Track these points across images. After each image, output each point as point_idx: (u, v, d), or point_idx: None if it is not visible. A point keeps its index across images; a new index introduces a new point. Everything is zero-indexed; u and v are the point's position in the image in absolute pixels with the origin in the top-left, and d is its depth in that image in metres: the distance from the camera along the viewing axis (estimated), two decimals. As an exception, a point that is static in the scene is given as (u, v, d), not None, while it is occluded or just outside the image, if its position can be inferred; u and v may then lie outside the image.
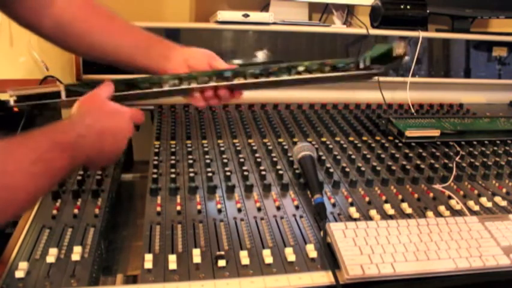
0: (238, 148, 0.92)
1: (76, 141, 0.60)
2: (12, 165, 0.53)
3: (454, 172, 0.87)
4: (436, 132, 1.00)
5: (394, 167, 0.87)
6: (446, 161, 0.92)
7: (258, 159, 0.87)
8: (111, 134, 0.65)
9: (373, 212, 0.73)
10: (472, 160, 0.93)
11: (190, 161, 0.85)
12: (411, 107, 1.22)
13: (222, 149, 0.91)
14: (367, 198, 0.78)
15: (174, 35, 1.19)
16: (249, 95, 1.16)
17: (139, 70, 0.83)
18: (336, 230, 0.65)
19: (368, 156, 0.91)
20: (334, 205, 0.75)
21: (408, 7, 1.32)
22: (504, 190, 0.83)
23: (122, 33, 0.83)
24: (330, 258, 0.61)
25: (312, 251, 0.63)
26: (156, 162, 0.84)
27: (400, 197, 0.78)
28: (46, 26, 0.78)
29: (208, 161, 0.85)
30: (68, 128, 0.61)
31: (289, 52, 1.26)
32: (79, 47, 0.82)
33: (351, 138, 1.01)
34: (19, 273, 0.57)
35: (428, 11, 1.33)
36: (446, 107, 1.26)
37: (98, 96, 0.68)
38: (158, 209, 0.71)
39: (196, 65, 0.82)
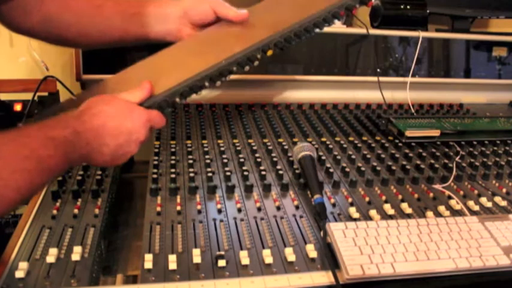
0: (238, 148, 0.91)
1: (70, 138, 0.56)
2: (1, 160, 0.50)
3: (454, 172, 0.87)
4: (436, 132, 0.99)
5: (394, 167, 0.87)
6: (446, 161, 0.92)
7: (258, 159, 0.87)
8: (113, 134, 0.60)
9: (373, 212, 0.73)
10: (472, 160, 0.93)
11: (190, 161, 0.85)
12: (411, 107, 1.22)
13: (222, 149, 0.91)
14: (367, 198, 0.78)
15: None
16: (249, 95, 1.17)
17: (137, 41, 0.76)
18: (336, 230, 0.65)
19: (368, 156, 0.91)
20: (334, 205, 0.75)
21: (408, 7, 1.31)
22: (504, 190, 0.83)
23: (110, 10, 0.75)
24: (330, 258, 0.61)
25: (312, 251, 0.63)
26: (156, 162, 0.84)
27: (400, 197, 0.78)
28: (35, 22, 0.74)
29: (208, 161, 0.85)
30: (63, 124, 0.58)
31: (289, 52, 1.26)
32: (68, 36, 0.76)
33: (351, 138, 1.01)
34: (19, 273, 0.57)
35: (428, 11, 1.33)
36: (446, 107, 1.26)
37: (111, 95, 0.62)
38: (158, 209, 0.71)
39: (199, 17, 0.72)
